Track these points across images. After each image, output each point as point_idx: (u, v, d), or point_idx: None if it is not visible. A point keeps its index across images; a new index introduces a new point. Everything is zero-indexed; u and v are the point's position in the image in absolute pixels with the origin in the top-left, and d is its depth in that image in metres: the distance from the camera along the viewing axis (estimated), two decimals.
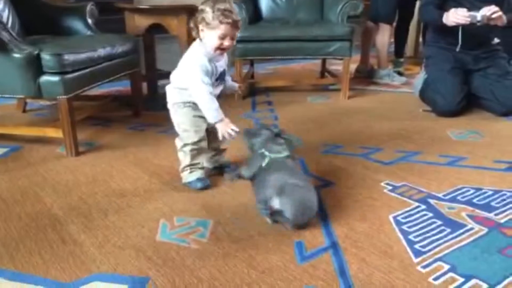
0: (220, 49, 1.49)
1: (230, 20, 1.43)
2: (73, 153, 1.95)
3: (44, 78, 1.87)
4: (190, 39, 2.63)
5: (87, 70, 2.00)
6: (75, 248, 1.28)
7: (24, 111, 2.58)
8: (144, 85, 2.82)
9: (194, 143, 1.61)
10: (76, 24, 2.43)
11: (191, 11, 2.69)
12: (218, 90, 1.62)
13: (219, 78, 1.59)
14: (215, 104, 1.52)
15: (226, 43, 1.47)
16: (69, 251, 1.27)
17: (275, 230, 1.36)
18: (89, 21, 2.42)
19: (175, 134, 1.68)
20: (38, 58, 1.85)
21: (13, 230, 1.38)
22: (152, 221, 1.43)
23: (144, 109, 2.58)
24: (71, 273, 1.18)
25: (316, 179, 1.71)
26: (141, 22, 2.60)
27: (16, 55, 1.83)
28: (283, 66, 3.92)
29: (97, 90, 2.79)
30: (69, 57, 1.88)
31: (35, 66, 1.85)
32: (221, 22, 1.43)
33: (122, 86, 3.04)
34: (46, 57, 1.85)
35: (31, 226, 1.40)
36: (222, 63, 1.58)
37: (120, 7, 2.65)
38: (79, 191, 1.63)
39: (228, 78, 1.69)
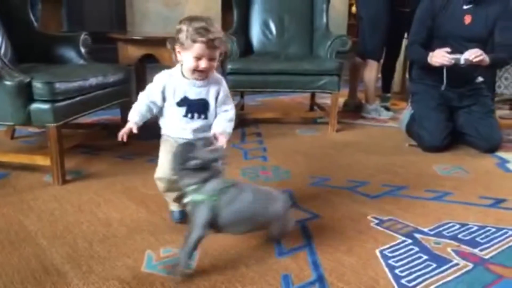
0: (198, 71, 1.37)
1: (204, 39, 1.30)
2: (60, 181, 1.93)
3: (35, 106, 1.87)
4: None
5: (78, 99, 2.01)
6: (58, 278, 1.26)
7: (12, 137, 2.56)
8: None
9: (157, 178, 1.55)
10: (69, 53, 2.46)
11: None
12: (195, 124, 1.45)
13: (195, 109, 1.43)
14: (139, 106, 1.47)
15: (202, 64, 1.34)
16: (52, 281, 1.25)
17: (262, 263, 1.36)
18: (82, 50, 2.45)
19: None
20: (29, 85, 1.85)
21: None
22: (138, 252, 1.41)
23: (133, 138, 2.57)
24: None
25: (303, 212, 1.71)
26: (134, 52, 2.64)
27: (7, 82, 1.84)
28: (273, 99, 3.98)
29: (86, 118, 2.79)
30: (60, 86, 1.89)
31: (26, 94, 1.86)
32: (194, 41, 1.31)
33: (111, 114, 3.04)
34: (37, 85, 1.85)
35: (14, 255, 1.38)
36: (202, 91, 1.43)
37: (113, 37, 2.69)
38: (64, 220, 1.61)
39: (216, 124, 1.46)
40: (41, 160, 1.97)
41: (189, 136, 1.46)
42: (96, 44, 2.58)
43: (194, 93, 1.43)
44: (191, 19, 1.34)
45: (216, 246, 1.45)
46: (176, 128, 1.48)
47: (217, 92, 1.46)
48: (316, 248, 1.45)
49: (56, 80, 1.88)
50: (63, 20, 5.12)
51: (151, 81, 1.52)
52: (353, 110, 3.52)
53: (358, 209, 1.75)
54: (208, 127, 1.47)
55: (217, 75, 1.49)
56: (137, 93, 2.86)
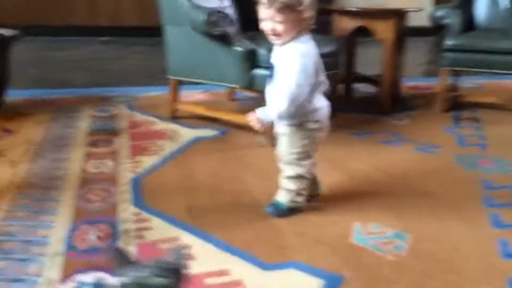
0: (268, 34, 1.33)
1: (262, 1, 1.28)
2: (271, 143, 2.06)
3: (257, 71, 2.03)
4: (396, 44, 2.58)
5: None
6: (276, 232, 1.36)
7: (232, 99, 2.84)
8: (340, 86, 2.83)
9: None
10: None
11: (400, 15, 2.61)
12: (269, 86, 1.41)
13: (270, 73, 1.39)
14: None
15: (265, 27, 1.31)
16: (270, 233, 1.35)
17: (484, 261, 1.23)
18: None
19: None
20: (254, 53, 2.01)
21: (222, 203, 1.54)
22: (345, 222, 1.42)
23: (337, 110, 2.59)
24: (271, 255, 1.24)
25: None
26: (348, 25, 2.61)
27: (238, 49, 2.03)
28: (494, 81, 3.50)
29: None
30: None
31: (251, 60, 2.03)
32: (258, 3, 1.30)
33: None
34: (262, 52, 2.00)
35: (236, 202, 1.54)
36: (277, 55, 1.36)
37: (329, 9, 2.71)
38: (275, 179, 1.72)
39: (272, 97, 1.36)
40: None
41: (268, 100, 1.41)
42: None
43: (274, 56, 1.39)
44: None
45: (431, 232, 1.36)
46: None
47: (285, 56, 1.33)
48: None
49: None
50: None
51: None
52: None
53: None
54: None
55: (303, 43, 1.33)
56: (346, 66, 2.89)
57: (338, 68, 2.54)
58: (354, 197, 1.61)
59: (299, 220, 1.43)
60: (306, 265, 1.20)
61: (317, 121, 1.39)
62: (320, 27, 2.86)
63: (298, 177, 1.43)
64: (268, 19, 1.29)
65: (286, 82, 1.30)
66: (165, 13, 2.29)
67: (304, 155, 1.41)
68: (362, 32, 2.67)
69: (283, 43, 1.34)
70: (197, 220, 1.42)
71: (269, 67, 1.41)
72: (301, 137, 1.39)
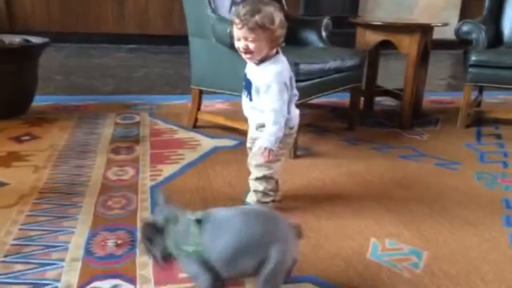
0: (241, 52, 1.38)
1: (236, 21, 1.33)
2: (292, 155, 2.07)
3: None
4: (420, 58, 2.56)
5: (317, 80, 2.10)
6: None
7: None
8: (361, 99, 2.82)
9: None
10: (311, 36, 2.58)
11: (426, 30, 2.59)
12: (246, 102, 1.49)
13: (245, 87, 1.46)
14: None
15: (240, 45, 1.36)
16: None
17: (500, 278, 1.20)
18: (323, 34, 2.54)
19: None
20: None
21: None
22: (363, 237, 1.42)
23: (359, 123, 2.58)
24: None
25: None
26: (372, 38, 2.61)
27: None
28: None
29: (316, 99, 2.91)
30: (304, 67, 2.00)
31: None
32: (231, 23, 1.37)
33: (339, 97, 3.10)
34: None
35: None
36: (254, 72, 1.42)
37: (353, 22, 2.71)
38: (295, 191, 1.73)
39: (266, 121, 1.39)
40: None
41: (245, 113, 1.52)
42: (333, 28, 2.65)
43: (250, 72, 1.45)
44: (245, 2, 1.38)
45: (447, 252, 1.34)
46: None
47: (262, 77, 1.39)
48: None
49: (301, 62, 2.00)
50: (299, 3, 5.45)
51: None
52: None
53: None
54: (257, 111, 1.44)
55: (276, 63, 1.38)
56: (367, 79, 2.88)
57: (361, 81, 2.54)
58: (372, 211, 1.60)
59: (315, 233, 1.43)
60: (321, 280, 1.20)
61: (291, 128, 1.47)
62: (344, 40, 2.88)
63: (265, 178, 1.49)
64: (241, 38, 1.36)
65: (271, 105, 1.37)
66: (191, 24, 2.33)
67: (277, 158, 1.45)
68: (384, 44, 2.66)
69: (258, 61, 1.40)
70: None
71: (245, 81, 1.47)
72: None
